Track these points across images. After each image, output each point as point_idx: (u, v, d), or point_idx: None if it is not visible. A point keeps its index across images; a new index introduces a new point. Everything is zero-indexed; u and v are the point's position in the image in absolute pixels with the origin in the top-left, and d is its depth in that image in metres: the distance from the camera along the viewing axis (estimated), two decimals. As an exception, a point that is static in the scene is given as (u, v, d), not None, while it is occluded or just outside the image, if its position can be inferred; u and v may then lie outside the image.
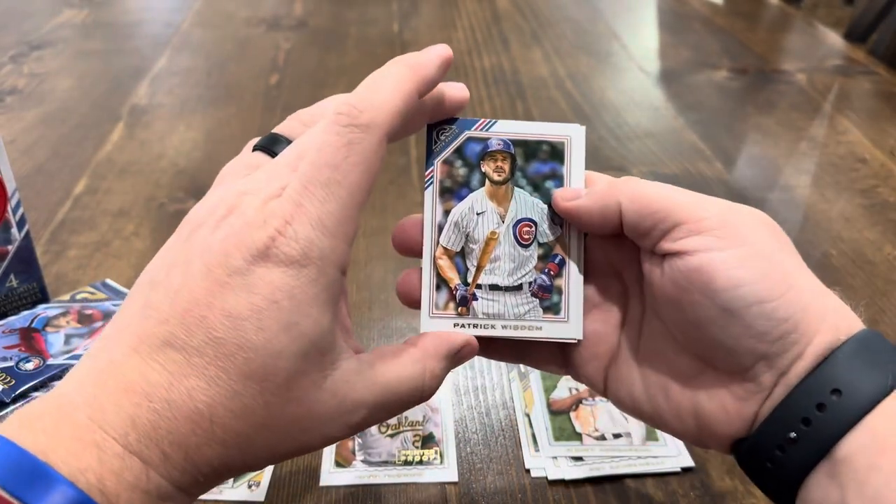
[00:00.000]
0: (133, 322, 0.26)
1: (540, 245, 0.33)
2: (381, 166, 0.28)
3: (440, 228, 0.33)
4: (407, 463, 0.44)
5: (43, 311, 0.52)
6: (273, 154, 0.30)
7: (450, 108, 0.33)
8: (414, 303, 0.33)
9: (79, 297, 0.53)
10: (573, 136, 0.33)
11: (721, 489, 0.42)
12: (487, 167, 0.33)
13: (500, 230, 0.33)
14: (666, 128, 0.85)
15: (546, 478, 0.42)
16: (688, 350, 0.31)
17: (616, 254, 0.33)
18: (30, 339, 0.49)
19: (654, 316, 0.32)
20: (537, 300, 0.33)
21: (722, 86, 0.96)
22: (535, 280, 0.33)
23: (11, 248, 0.51)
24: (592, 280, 0.34)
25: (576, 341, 0.33)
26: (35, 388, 0.45)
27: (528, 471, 0.43)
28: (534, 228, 0.33)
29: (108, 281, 0.56)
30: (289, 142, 0.31)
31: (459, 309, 0.33)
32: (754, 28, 1.20)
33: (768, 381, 0.29)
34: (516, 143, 0.33)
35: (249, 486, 0.42)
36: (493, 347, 0.34)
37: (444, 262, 0.33)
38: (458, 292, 0.33)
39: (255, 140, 0.32)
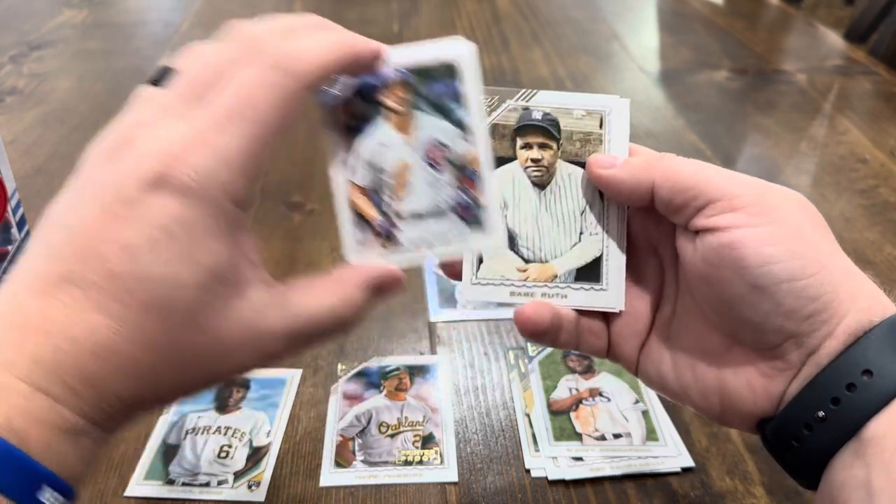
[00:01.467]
0: (33, 263, 0.26)
1: (453, 165, 0.32)
2: (296, 115, 0.27)
3: (350, 167, 0.32)
4: (407, 463, 0.44)
5: (43, 311, 0.51)
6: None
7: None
8: (456, 273, 0.34)
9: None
10: (619, 109, 0.34)
11: (721, 489, 0.42)
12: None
13: (409, 158, 0.32)
14: (666, 128, 0.85)
15: (546, 478, 0.42)
16: (717, 327, 0.31)
17: (654, 229, 0.33)
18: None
19: (686, 292, 0.32)
20: (461, 219, 0.32)
21: (722, 86, 0.96)
22: (453, 199, 0.32)
23: (12, 249, 0.51)
24: (631, 256, 0.34)
25: (617, 311, 0.33)
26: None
27: (528, 471, 0.43)
28: (444, 150, 0.32)
29: (108, 281, 0.56)
30: None
31: (384, 243, 0.32)
32: (754, 28, 1.20)
33: (796, 359, 0.29)
34: (413, 70, 0.31)
35: (249, 487, 0.42)
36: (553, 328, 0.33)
37: (361, 201, 0.32)
38: (380, 226, 0.32)
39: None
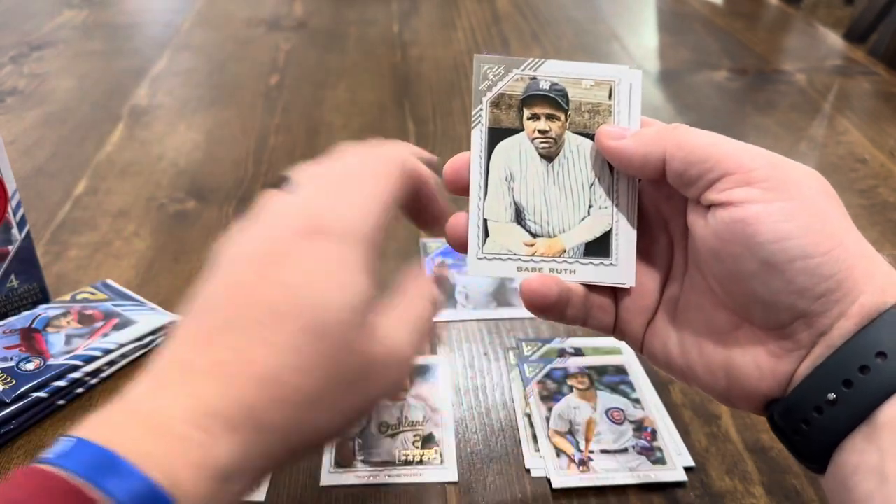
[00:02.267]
0: (190, 318, 0.28)
1: (630, 422, 0.45)
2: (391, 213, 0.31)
3: (546, 419, 0.44)
4: (407, 463, 0.44)
5: (43, 311, 0.52)
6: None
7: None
8: (462, 245, 0.33)
9: (79, 297, 0.54)
10: (630, 80, 0.34)
11: (721, 489, 0.42)
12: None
13: (595, 416, 0.45)
14: (666, 128, 0.85)
15: (546, 478, 0.42)
16: (726, 305, 0.31)
17: (665, 203, 0.33)
18: (30, 339, 0.49)
19: (695, 269, 0.32)
20: (642, 455, 0.43)
21: (722, 86, 0.96)
22: (635, 442, 0.42)
23: (12, 249, 0.51)
24: (641, 231, 0.33)
25: (628, 287, 0.33)
26: (35, 389, 0.45)
27: (528, 471, 0.43)
28: (622, 412, 0.45)
29: (109, 281, 0.56)
30: None
31: (582, 469, 0.42)
32: (754, 28, 1.20)
33: (806, 339, 0.28)
34: (591, 367, 0.36)
35: (250, 486, 0.42)
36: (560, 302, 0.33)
37: (558, 440, 0.44)
38: (576, 457, 0.42)
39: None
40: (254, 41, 1.11)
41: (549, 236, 0.33)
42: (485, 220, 0.33)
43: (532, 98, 0.33)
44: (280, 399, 0.26)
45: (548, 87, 0.33)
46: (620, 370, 0.49)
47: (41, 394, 0.45)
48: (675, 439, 0.45)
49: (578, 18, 1.23)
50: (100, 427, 0.25)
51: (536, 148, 0.33)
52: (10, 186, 0.50)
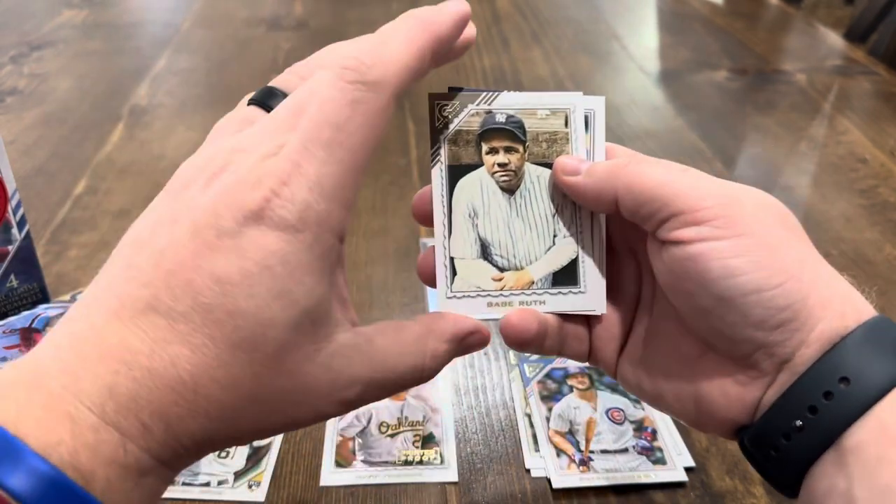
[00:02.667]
0: (115, 284, 0.25)
1: (630, 422, 0.45)
2: (386, 128, 0.27)
3: (546, 419, 0.44)
4: (407, 463, 0.44)
5: (43, 311, 0.52)
6: (268, 109, 0.28)
7: (456, 54, 0.31)
8: (432, 282, 0.33)
9: (79, 297, 0.53)
10: (590, 106, 0.33)
11: (721, 489, 0.42)
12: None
13: (596, 416, 0.46)
14: (666, 128, 0.85)
15: (546, 478, 0.42)
16: (691, 333, 0.31)
17: (632, 231, 0.33)
18: (30, 339, 0.49)
19: (661, 297, 0.32)
20: (642, 455, 0.43)
21: (722, 86, 0.96)
22: (635, 442, 0.43)
23: (12, 249, 0.51)
24: (610, 258, 0.33)
25: (598, 314, 0.33)
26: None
27: (528, 471, 0.43)
28: (622, 412, 0.46)
29: (109, 281, 0.56)
30: (285, 95, 0.28)
31: (582, 469, 0.41)
32: (754, 28, 1.20)
33: (769, 368, 0.28)
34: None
35: (249, 486, 0.42)
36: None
37: (558, 440, 0.44)
38: (576, 457, 0.43)
39: (250, 95, 0.30)
40: (253, 41, 1.11)
41: (517, 269, 0.33)
42: (451, 259, 0.32)
43: (489, 132, 0.33)
44: (195, 409, 0.24)
45: (504, 120, 0.33)
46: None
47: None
48: (675, 439, 0.45)
49: (578, 18, 1.23)
50: (3, 400, 0.22)
51: (497, 182, 0.33)
52: (10, 186, 0.50)
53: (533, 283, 0.33)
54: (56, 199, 0.70)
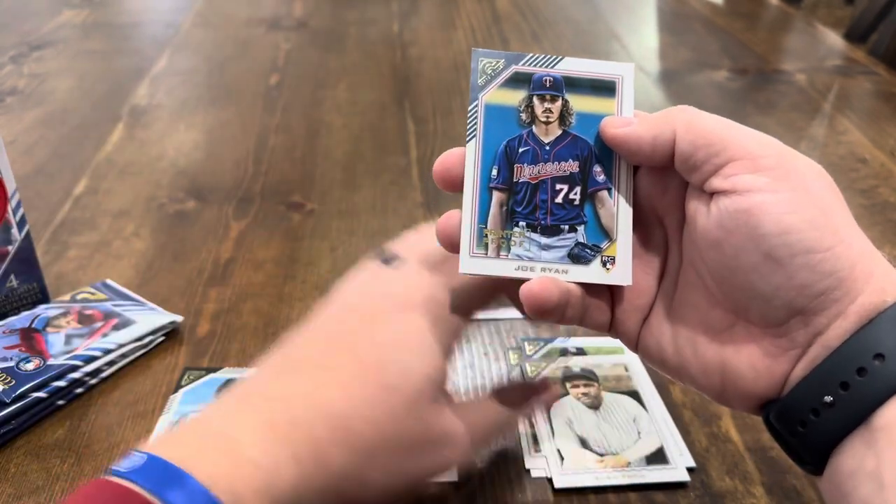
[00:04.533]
0: (276, 357, 0.32)
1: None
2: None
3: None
4: (407, 463, 0.44)
5: (43, 311, 0.52)
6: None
7: None
8: (454, 246, 0.32)
9: (79, 297, 0.53)
10: (625, 76, 0.33)
11: (721, 489, 0.42)
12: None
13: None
14: (666, 128, 0.85)
15: (546, 478, 0.42)
16: (721, 302, 0.30)
17: (660, 198, 0.32)
18: (30, 339, 0.49)
19: (690, 265, 0.31)
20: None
21: (722, 86, 0.96)
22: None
23: (12, 249, 0.51)
24: (636, 227, 0.32)
25: (625, 286, 0.32)
26: (35, 389, 0.45)
27: (528, 471, 0.43)
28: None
29: (109, 281, 0.56)
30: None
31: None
32: (754, 28, 1.20)
33: (802, 339, 0.28)
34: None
35: (250, 487, 0.42)
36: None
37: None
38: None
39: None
40: (254, 41, 1.11)
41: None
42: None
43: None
44: (344, 442, 0.28)
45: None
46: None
47: (41, 394, 0.45)
48: (676, 439, 0.45)
49: (578, 18, 1.23)
50: (170, 444, 0.27)
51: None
52: (10, 186, 0.50)
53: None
54: (56, 199, 0.70)
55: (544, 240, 0.32)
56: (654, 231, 0.33)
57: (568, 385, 0.47)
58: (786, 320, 0.28)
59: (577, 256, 0.32)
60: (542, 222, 0.32)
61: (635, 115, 0.33)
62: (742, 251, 0.28)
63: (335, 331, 0.32)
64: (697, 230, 0.30)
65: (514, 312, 0.56)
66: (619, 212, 0.32)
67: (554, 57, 0.33)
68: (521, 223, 0.32)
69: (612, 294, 0.33)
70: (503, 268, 0.32)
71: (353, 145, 0.80)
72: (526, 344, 0.52)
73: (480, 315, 0.37)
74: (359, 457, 0.28)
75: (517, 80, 0.33)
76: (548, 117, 0.32)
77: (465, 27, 1.17)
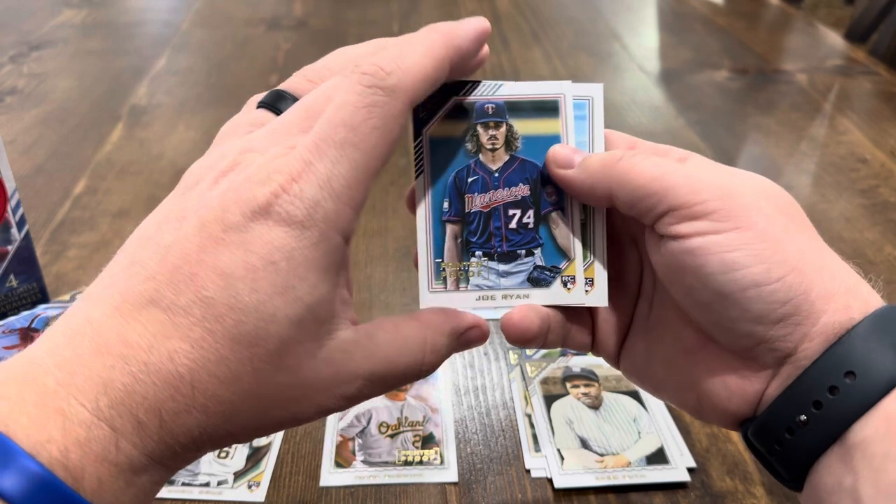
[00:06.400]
0: (117, 280, 0.24)
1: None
2: (401, 134, 0.27)
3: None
4: (407, 463, 0.44)
5: (43, 311, 0.51)
6: (278, 112, 0.28)
7: (471, 69, 0.31)
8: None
9: (79, 297, 0.53)
10: (594, 96, 0.33)
11: (721, 489, 0.42)
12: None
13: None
14: (666, 128, 0.85)
15: (546, 478, 0.42)
16: (692, 324, 0.30)
17: (633, 221, 0.32)
18: (30, 339, 0.49)
19: (663, 286, 0.31)
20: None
21: (722, 86, 0.96)
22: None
23: (11, 249, 0.51)
24: (611, 248, 0.33)
25: (601, 306, 0.32)
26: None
27: (528, 471, 0.43)
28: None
29: (108, 281, 0.56)
30: (294, 99, 0.29)
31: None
32: (754, 28, 1.20)
33: (771, 361, 0.28)
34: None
35: (249, 487, 0.42)
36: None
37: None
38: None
39: (258, 96, 0.30)
40: (253, 41, 1.11)
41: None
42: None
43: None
44: (192, 406, 0.23)
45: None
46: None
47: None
48: (676, 439, 0.45)
49: (578, 18, 1.22)
50: None
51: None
52: (10, 186, 0.50)
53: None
54: (56, 199, 0.70)
55: (502, 267, 0.32)
56: (629, 251, 0.33)
57: (568, 385, 0.47)
58: (752, 347, 0.28)
59: (537, 280, 0.32)
60: (499, 249, 0.32)
61: (609, 140, 0.32)
62: (694, 290, 0.28)
63: (178, 248, 0.24)
64: (655, 265, 0.30)
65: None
66: (593, 233, 0.32)
67: (494, 83, 0.32)
68: (478, 253, 0.32)
69: (591, 315, 0.33)
70: (463, 300, 0.32)
71: (352, 145, 0.80)
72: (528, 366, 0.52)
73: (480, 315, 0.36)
74: (214, 418, 0.24)
75: (459, 111, 0.32)
76: (493, 144, 0.32)
77: (465, 27, 1.17)
